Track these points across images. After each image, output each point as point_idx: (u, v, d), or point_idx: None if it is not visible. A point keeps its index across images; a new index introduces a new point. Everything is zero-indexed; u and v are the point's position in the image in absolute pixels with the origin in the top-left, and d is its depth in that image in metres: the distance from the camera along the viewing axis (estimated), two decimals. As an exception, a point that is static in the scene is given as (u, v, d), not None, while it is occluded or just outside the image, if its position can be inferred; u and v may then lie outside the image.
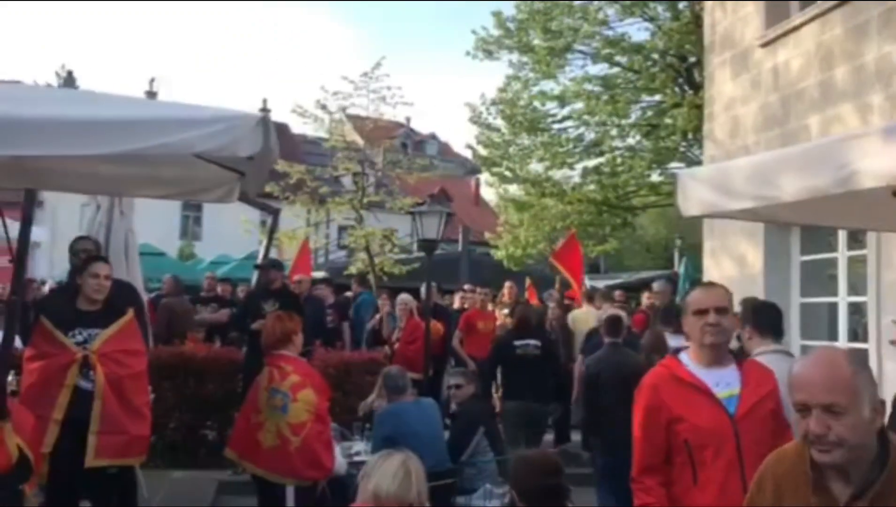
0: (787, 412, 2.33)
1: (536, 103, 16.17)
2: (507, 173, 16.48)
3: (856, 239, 6.85)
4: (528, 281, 13.63)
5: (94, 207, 6.55)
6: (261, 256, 9.09)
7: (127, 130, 3.00)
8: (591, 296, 10.46)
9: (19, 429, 3.70)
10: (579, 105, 15.64)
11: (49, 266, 17.36)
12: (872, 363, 6.06)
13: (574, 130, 16.16)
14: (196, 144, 3.07)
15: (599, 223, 16.42)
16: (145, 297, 7.05)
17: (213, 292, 10.90)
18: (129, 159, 4.02)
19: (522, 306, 8.11)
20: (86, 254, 5.17)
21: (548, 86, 16.05)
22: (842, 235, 6.97)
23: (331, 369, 7.41)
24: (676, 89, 14.84)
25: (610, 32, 15.12)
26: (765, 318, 3.97)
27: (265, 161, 3.55)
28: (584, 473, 6.18)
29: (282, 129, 21.51)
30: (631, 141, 16.07)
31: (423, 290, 8.57)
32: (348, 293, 12.00)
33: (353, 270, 15.16)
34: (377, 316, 10.27)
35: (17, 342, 4.53)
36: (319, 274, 15.92)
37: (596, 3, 15.05)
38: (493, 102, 16.43)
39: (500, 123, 16.50)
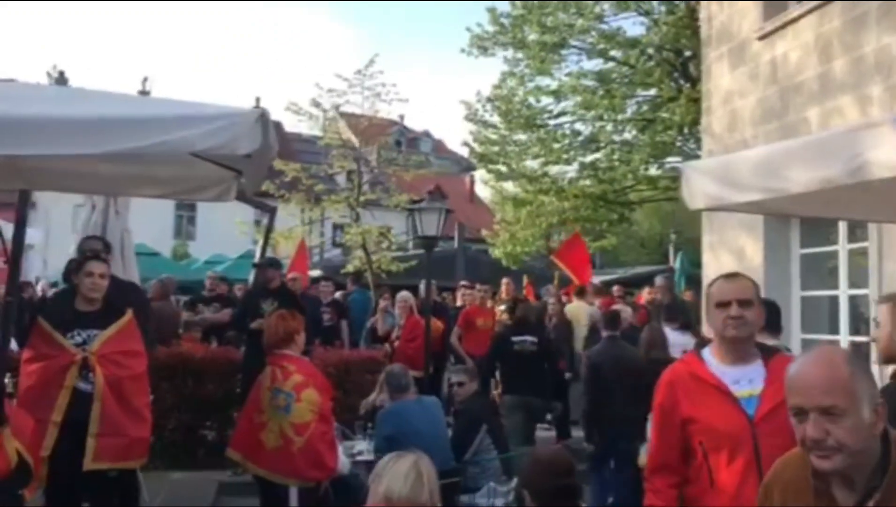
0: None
1: (532, 99, 16.12)
2: (504, 170, 16.45)
3: (856, 232, 6.82)
4: (525, 279, 13.61)
5: (88, 208, 6.46)
6: (258, 254, 9.03)
7: (126, 129, 2.93)
8: (581, 291, 10.45)
9: (18, 433, 3.66)
10: (575, 100, 15.61)
11: (43, 267, 17.25)
12: (874, 357, 6.03)
13: (570, 125, 16.14)
14: (196, 141, 2.99)
15: (597, 219, 16.37)
16: (141, 298, 6.98)
17: (215, 291, 10.78)
18: (126, 158, 3.95)
19: (523, 306, 8.08)
20: (92, 253, 5.12)
21: (543, 82, 16.03)
22: (842, 228, 6.93)
23: (330, 368, 7.39)
24: (672, 83, 14.82)
25: (605, 27, 15.10)
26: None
27: (264, 158, 3.49)
28: (586, 470, 6.16)
29: (276, 127, 21.36)
30: (627, 136, 16.04)
31: (421, 287, 8.53)
32: (343, 292, 11.97)
33: (350, 268, 15.09)
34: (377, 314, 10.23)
35: (13, 345, 4.48)
36: (315, 273, 15.89)
37: (591, -2, 15.04)
38: (489, 99, 16.38)
39: (496, 119, 16.47)
